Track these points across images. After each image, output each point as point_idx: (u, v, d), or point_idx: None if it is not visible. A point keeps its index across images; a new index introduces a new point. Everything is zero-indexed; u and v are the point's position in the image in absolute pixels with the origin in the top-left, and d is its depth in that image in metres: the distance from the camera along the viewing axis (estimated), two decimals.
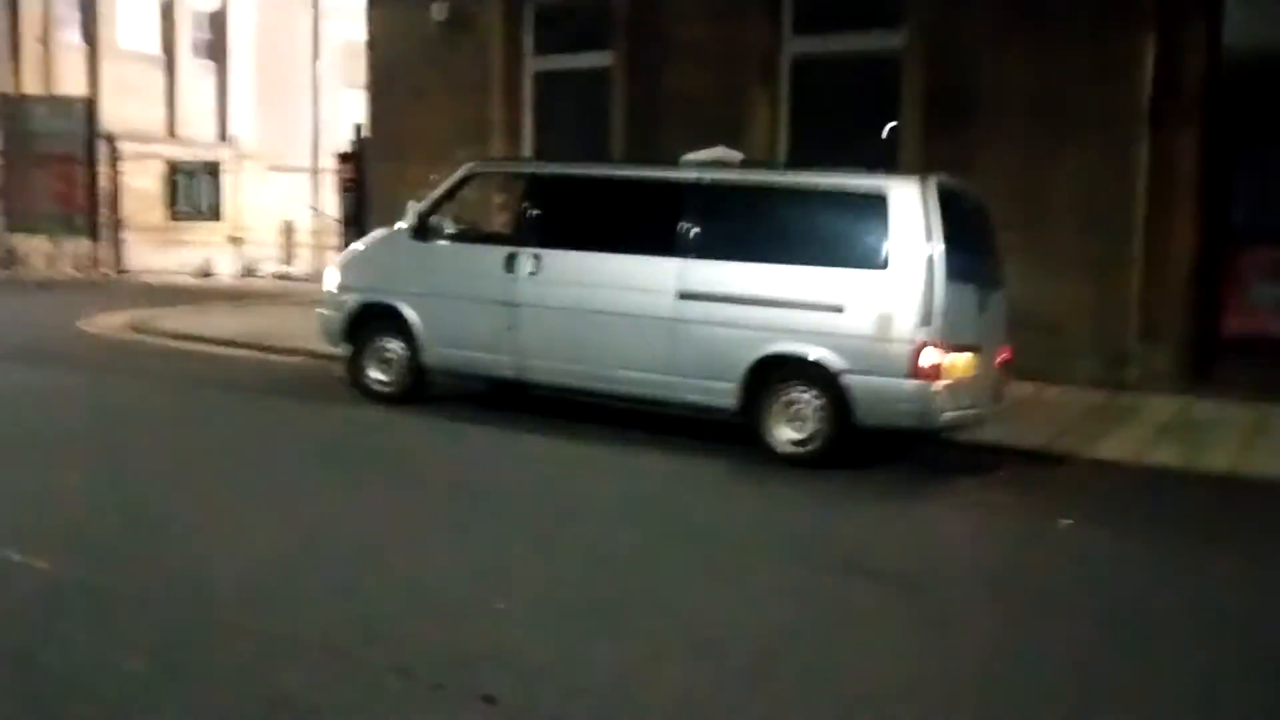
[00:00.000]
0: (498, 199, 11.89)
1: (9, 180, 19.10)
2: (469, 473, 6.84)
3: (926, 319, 7.09)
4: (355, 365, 8.90)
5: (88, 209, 19.26)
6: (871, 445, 7.58)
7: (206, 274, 20.09)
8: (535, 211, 8.43)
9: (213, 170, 18.61)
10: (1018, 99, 11.10)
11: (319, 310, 9.21)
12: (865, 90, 12.13)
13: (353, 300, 8.90)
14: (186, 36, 22.62)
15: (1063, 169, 10.96)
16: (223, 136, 22.84)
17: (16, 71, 19.83)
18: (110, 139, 19.58)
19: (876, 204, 7.26)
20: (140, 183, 19.86)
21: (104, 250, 19.70)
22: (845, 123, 12.39)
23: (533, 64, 14.05)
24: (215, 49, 23.22)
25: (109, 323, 13.15)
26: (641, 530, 5.67)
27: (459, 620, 4.15)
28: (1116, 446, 8.53)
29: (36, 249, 19.77)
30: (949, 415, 7.30)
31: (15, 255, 19.57)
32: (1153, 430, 9.16)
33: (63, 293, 16.54)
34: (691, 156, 8.49)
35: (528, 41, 14.04)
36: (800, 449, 7.37)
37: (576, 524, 5.69)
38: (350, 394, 8.81)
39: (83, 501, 5.53)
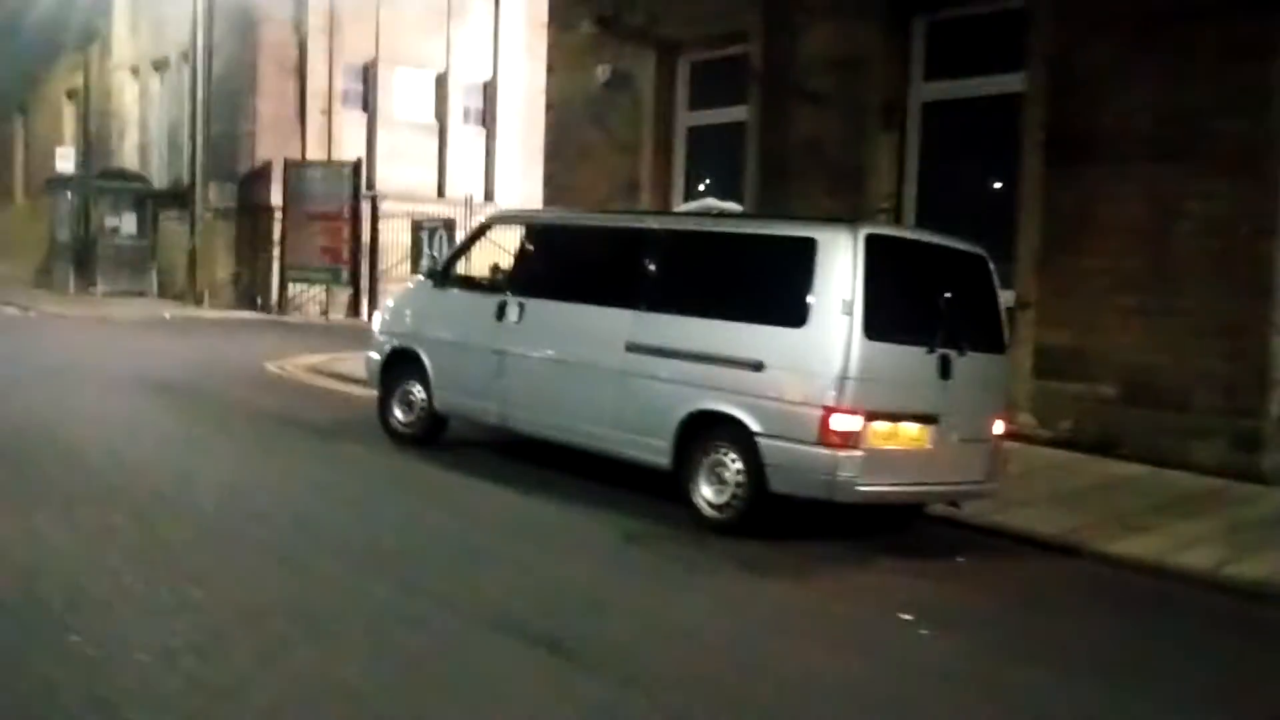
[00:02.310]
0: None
1: (287, 235, 21.52)
2: (367, 517, 6.84)
3: (840, 381, 6.49)
4: (385, 406, 9.29)
5: (350, 261, 21.32)
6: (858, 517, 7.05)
7: None
8: (526, 260, 8.54)
9: (449, 227, 20.02)
10: (1141, 139, 9.89)
11: (367, 353, 9.73)
12: (991, 135, 11.26)
13: (386, 344, 9.35)
14: (458, 106, 24.55)
15: (1191, 218, 9.63)
16: (489, 196, 24.50)
17: (303, 140, 22.39)
18: (373, 199, 21.61)
19: (804, 255, 6.76)
20: (403, 239, 21.69)
21: (365, 299, 21.67)
22: (973, 169, 11.56)
23: (685, 120, 14.18)
24: (485, 116, 25.05)
25: (295, 363, 14.39)
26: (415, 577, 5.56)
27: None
28: (1150, 544, 7.34)
29: (312, 296, 22.10)
30: (869, 489, 6.61)
31: (291, 302, 21.97)
32: (1222, 528, 7.77)
33: (300, 335, 18.31)
34: (682, 208, 8.30)
35: (680, 98, 14.20)
36: (719, 514, 6.95)
37: (386, 566, 5.64)
38: (378, 435, 9.20)
39: None
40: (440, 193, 23.96)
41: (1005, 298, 10.50)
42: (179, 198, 23.52)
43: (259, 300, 22.00)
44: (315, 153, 22.34)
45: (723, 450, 6.95)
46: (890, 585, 6.18)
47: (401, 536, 6.27)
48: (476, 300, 8.65)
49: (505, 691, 4.11)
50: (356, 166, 21.27)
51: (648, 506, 7.28)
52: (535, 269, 8.44)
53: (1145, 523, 7.87)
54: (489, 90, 24.96)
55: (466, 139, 24.75)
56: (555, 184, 15.44)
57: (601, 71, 14.62)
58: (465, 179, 24.41)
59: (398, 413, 9.18)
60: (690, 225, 7.69)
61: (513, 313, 8.28)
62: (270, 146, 21.98)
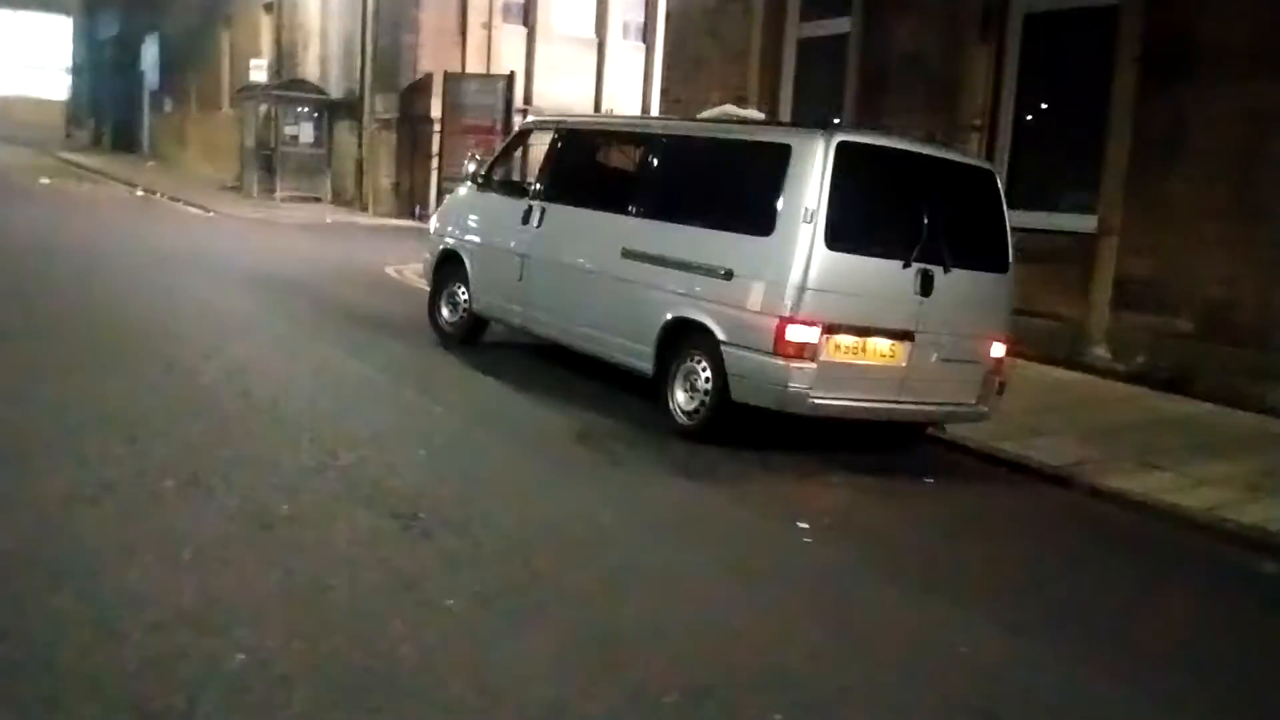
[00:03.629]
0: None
1: (444, 145, 22.25)
2: (344, 402, 7.24)
3: (797, 291, 6.39)
4: (434, 305, 9.65)
5: None
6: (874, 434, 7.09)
7: None
8: (549, 166, 8.65)
9: None
10: (1238, 54, 9.10)
11: (424, 253, 10.12)
12: (1091, 49, 10.53)
13: (438, 245, 9.69)
14: (618, 20, 24.61)
15: None
16: (645, 110, 24.54)
17: (463, 53, 22.95)
18: (523, 111, 22.03)
19: (779, 162, 6.63)
20: None
21: None
22: (1071, 86, 10.88)
23: (795, 30, 13.84)
24: (645, 30, 25.02)
25: (415, 267, 14.94)
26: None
27: None
28: (1155, 481, 6.97)
29: None
30: (824, 402, 6.51)
31: None
32: (1252, 472, 7.26)
33: None
34: (703, 115, 8.22)
35: (791, 8, 13.85)
36: (689, 420, 7.00)
37: (320, 444, 5.96)
38: (427, 332, 9.59)
39: None
40: (597, 107, 24.15)
41: (1086, 223, 10.15)
42: (351, 108, 24.62)
43: (417, 208, 22.90)
44: (475, 66, 22.86)
45: (695, 358, 6.98)
46: (817, 497, 6.11)
47: (359, 420, 6.58)
48: (509, 205, 8.83)
49: (328, 555, 4.37)
50: (510, 79, 21.66)
51: (633, 410, 7.39)
52: (556, 174, 8.56)
53: (1168, 461, 7.44)
54: (649, 5, 24.87)
55: (625, 53, 24.82)
56: (671, 96, 15.41)
57: None
58: (623, 93, 24.54)
59: (444, 312, 9.54)
60: (682, 130, 7.64)
61: (535, 217, 8.45)
62: (432, 60, 22.61)
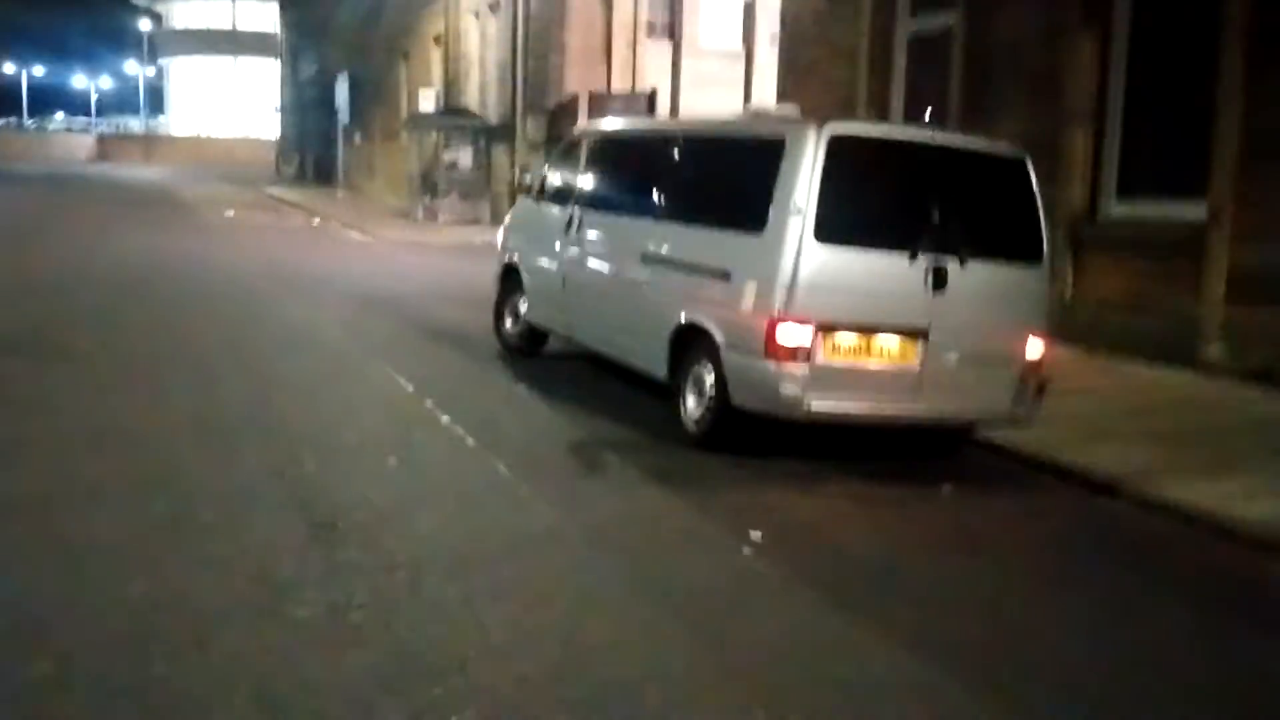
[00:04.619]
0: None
1: None
2: (360, 410, 7.39)
3: (786, 289, 6.03)
4: (499, 317, 9.67)
5: None
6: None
7: None
8: (589, 173, 8.52)
9: None
10: None
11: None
12: (1198, 25, 9.60)
13: (502, 257, 9.72)
14: (765, 30, 24.25)
15: None
16: None
17: (608, 72, 23.13)
18: None
19: (773, 156, 6.30)
20: None
21: None
22: (1180, 64, 9.95)
23: (906, 27, 13.24)
24: None
25: None
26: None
27: None
28: (1217, 489, 6.20)
29: None
30: (823, 407, 6.10)
31: None
32: None
33: None
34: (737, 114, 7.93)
35: (901, 5, 13.24)
36: (696, 427, 6.72)
37: (300, 444, 6.08)
38: (494, 345, 9.61)
39: None
40: None
41: (1196, 211, 9.24)
42: (506, 131, 25.20)
43: None
44: (621, 84, 23.04)
45: (703, 363, 6.69)
46: (794, 506, 5.68)
47: (355, 430, 6.64)
48: (555, 215, 8.76)
49: (213, 564, 4.35)
50: (651, 96, 21.68)
51: (654, 419, 7.13)
52: (593, 181, 8.44)
53: (1244, 468, 6.66)
54: None
55: (773, 64, 24.41)
56: (787, 100, 15.00)
57: None
58: (771, 103, 24.18)
59: (507, 323, 9.55)
60: (693, 130, 7.38)
61: (574, 225, 8.35)
62: (578, 80, 22.93)
